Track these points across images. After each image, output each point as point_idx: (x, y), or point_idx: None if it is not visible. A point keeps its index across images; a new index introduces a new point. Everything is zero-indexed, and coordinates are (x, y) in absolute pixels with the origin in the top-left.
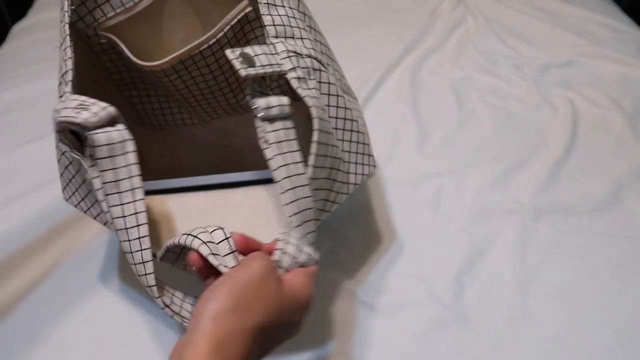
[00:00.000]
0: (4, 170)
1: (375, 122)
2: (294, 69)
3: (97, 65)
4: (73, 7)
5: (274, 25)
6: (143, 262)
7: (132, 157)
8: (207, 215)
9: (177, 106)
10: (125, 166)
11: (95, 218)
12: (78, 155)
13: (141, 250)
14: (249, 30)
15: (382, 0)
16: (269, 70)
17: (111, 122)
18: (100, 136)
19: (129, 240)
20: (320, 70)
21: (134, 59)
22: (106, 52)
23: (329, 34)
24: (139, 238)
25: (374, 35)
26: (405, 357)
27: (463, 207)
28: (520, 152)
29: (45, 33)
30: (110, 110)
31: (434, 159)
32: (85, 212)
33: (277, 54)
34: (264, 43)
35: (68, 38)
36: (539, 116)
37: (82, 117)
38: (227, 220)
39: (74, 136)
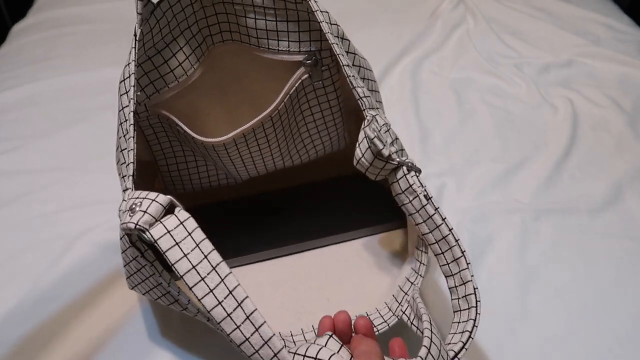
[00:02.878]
0: (4, 169)
1: None
2: (409, 164)
3: (141, 142)
4: (138, 93)
5: (365, 97)
6: (265, 343)
7: (198, 235)
8: (311, 280)
9: (214, 168)
10: (196, 247)
11: (168, 305)
12: (148, 261)
13: (256, 329)
14: (303, 95)
15: (382, 0)
16: (398, 161)
17: (167, 210)
18: (156, 231)
19: (238, 327)
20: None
21: (195, 136)
22: (151, 126)
23: None
24: (248, 317)
25: (374, 36)
26: None
27: (463, 206)
28: (520, 152)
29: (45, 33)
30: (161, 200)
31: (434, 159)
32: (155, 300)
33: (385, 130)
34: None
35: (132, 128)
36: (539, 116)
37: (135, 219)
38: (333, 279)
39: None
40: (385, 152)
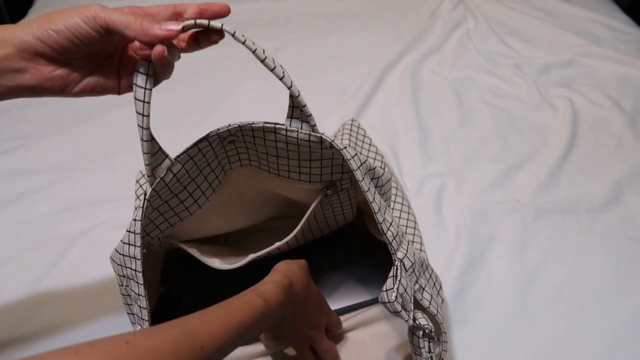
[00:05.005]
0: (5, 169)
1: (375, 122)
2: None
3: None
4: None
5: (394, 238)
6: None
7: None
8: None
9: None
10: None
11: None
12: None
13: None
14: (319, 212)
15: (382, 1)
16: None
17: None
18: None
19: None
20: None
21: (214, 264)
22: (152, 256)
23: (330, 33)
24: None
25: (374, 36)
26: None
27: (463, 206)
28: (520, 152)
29: None
30: None
31: (435, 159)
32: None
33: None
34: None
35: (141, 276)
36: (539, 116)
37: None
38: None
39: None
40: (408, 322)
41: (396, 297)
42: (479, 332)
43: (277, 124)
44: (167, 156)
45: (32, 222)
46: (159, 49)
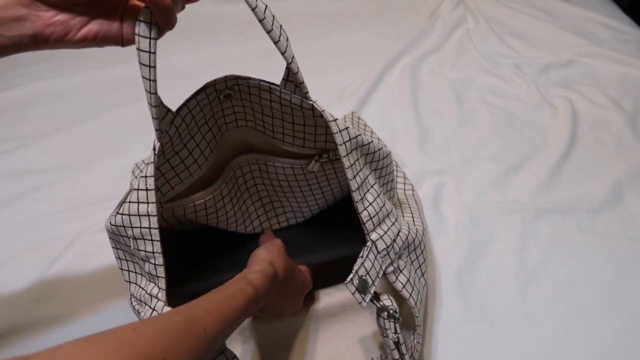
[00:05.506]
0: (5, 169)
1: (375, 122)
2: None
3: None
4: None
5: (370, 219)
6: None
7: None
8: None
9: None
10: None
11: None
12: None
13: None
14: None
15: (382, 1)
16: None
17: None
18: None
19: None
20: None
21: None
22: (164, 219)
23: (329, 33)
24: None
25: (374, 35)
26: None
27: (463, 206)
28: (520, 152)
29: None
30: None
31: (434, 159)
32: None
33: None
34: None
35: (157, 232)
36: (539, 116)
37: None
38: None
39: None
40: (362, 304)
41: (351, 279)
42: (479, 332)
43: (273, 84)
44: (168, 110)
45: (32, 222)
46: None
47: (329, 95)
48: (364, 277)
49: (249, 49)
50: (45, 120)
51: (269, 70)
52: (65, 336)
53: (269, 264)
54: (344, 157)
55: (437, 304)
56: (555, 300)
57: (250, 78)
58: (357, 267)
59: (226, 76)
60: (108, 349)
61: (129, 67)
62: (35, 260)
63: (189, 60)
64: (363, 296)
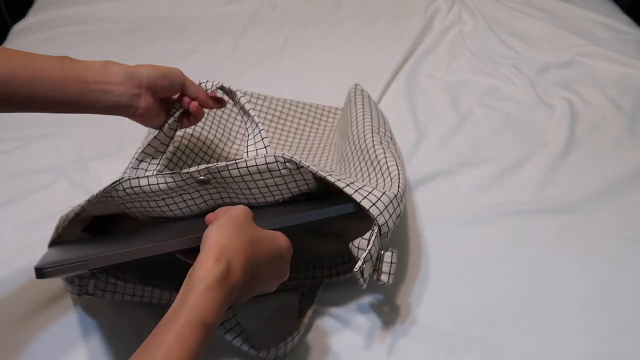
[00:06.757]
0: (5, 169)
1: None
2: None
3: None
4: None
5: (373, 204)
6: None
7: None
8: None
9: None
10: None
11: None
12: None
13: None
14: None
15: (379, 3)
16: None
17: None
18: None
19: None
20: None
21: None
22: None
23: (327, 36)
24: None
25: (371, 38)
26: None
27: (462, 208)
28: (519, 152)
29: (45, 33)
30: None
31: (432, 160)
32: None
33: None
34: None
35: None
36: (538, 116)
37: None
38: None
39: None
40: (362, 287)
41: (360, 267)
42: (479, 333)
43: (235, 159)
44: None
45: (32, 222)
46: (196, 103)
47: (328, 95)
48: (368, 261)
49: (249, 49)
50: (45, 121)
51: (269, 70)
52: (64, 337)
53: (220, 254)
54: (324, 178)
55: (437, 304)
56: (555, 300)
57: (217, 164)
58: (364, 254)
59: (198, 168)
60: None
61: None
62: (34, 260)
63: (189, 61)
64: (364, 279)
